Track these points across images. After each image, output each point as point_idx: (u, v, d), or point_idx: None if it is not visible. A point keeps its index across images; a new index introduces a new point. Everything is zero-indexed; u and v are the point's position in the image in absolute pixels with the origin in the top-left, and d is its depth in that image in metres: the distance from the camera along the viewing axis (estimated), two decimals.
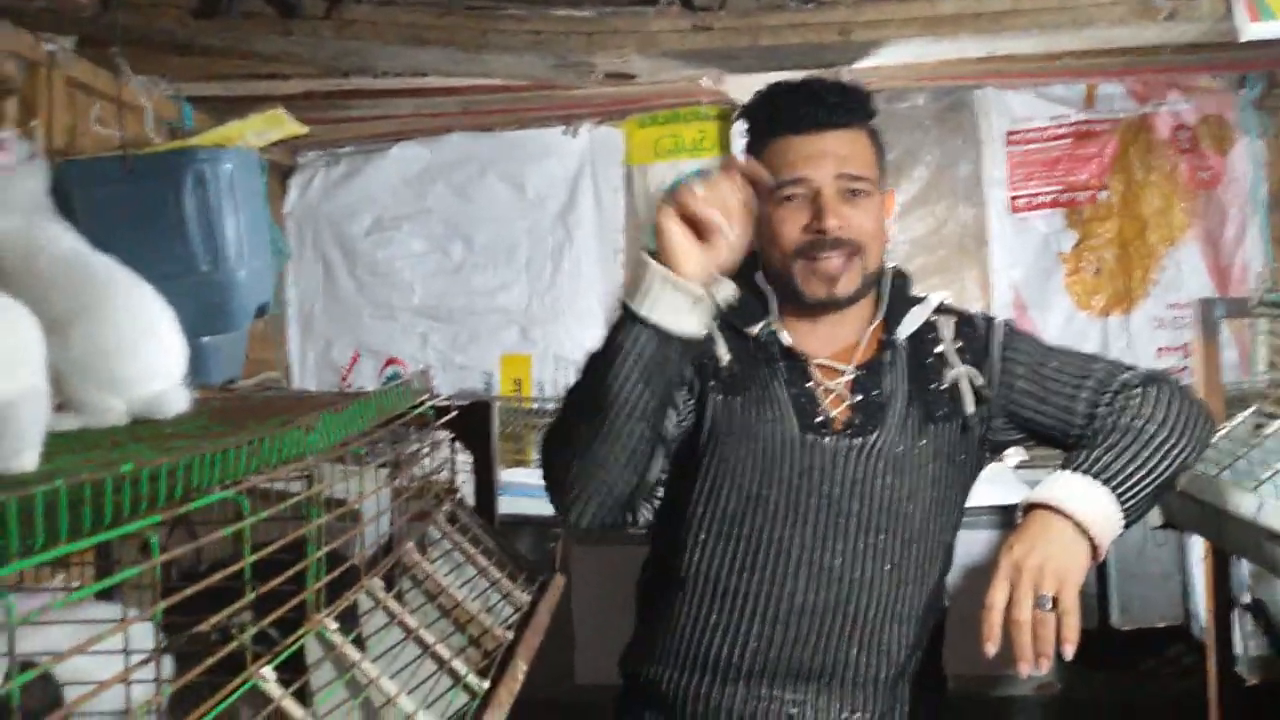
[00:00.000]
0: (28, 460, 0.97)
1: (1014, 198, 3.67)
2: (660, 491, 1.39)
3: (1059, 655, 1.18)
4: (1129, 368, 1.42)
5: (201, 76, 2.69)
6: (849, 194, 1.36)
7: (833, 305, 1.39)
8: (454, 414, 1.80)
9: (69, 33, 2.33)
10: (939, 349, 1.42)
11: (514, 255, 3.79)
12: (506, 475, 2.32)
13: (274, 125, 2.30)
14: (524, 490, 2.40)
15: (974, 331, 1.44)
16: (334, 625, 1.09)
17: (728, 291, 1.18)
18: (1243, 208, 3.58)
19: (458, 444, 1.91)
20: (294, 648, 1.02)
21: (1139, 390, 1.37)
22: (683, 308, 1.16)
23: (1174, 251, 3.62)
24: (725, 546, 1.36)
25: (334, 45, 2.50)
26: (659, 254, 1.16)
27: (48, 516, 0.73)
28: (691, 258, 1.15)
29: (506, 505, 2.16)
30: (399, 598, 1.35)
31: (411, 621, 1.26)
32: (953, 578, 1.46)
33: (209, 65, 2.66)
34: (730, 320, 1.40)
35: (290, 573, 1.02)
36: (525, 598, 1.65)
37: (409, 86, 2.99)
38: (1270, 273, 3.35)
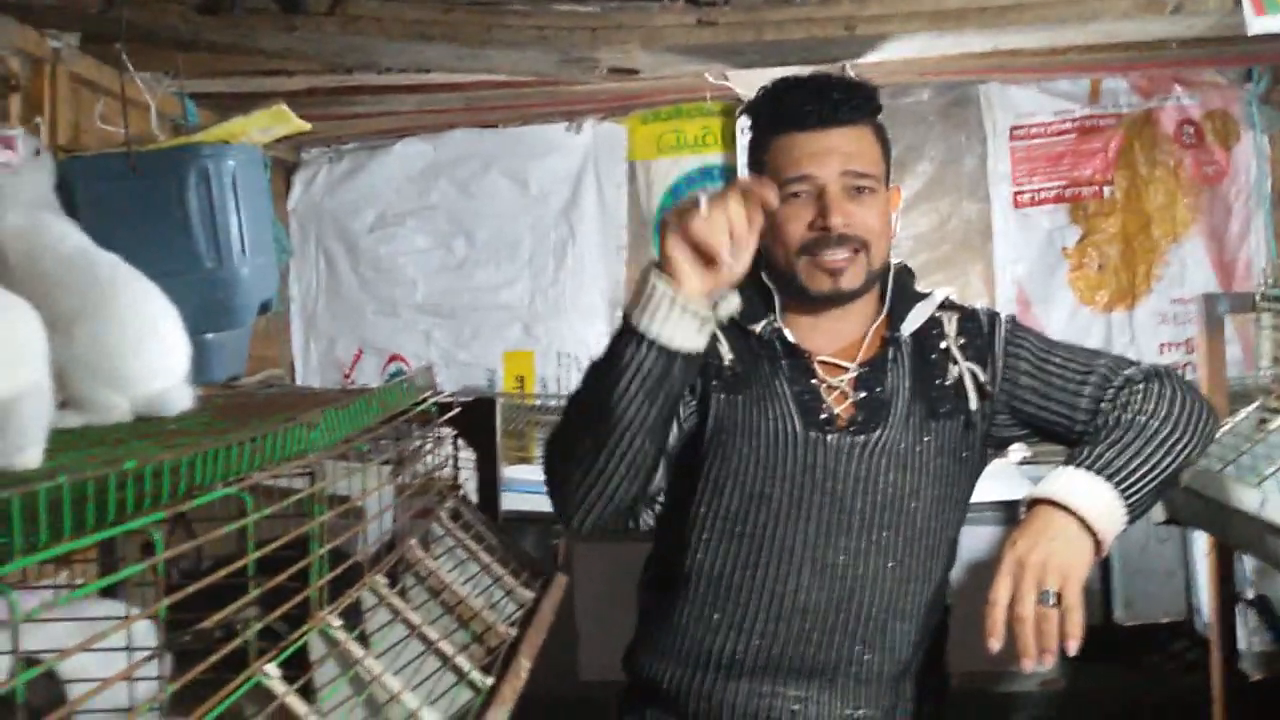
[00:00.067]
0: (31, 457, 0.97)
1: (1018, 193, 3.67)
2: (661, 497, 1.39)
3: (1062, 651, 1.18)
4: (1132, 363, 1.42)
5: (206, 73, 2.69)
6: (854, 191, 1.36)
7: (837, 299, 1.38)
8: (457, 411, 1.80)
9: (74, 29, 2.33)
10: (943, 345, 1.42)
11: (517, 251, 3.79)
12: (509, 472, 2.33)
13: (278, 122, 2.30)
14: (527, 487, 2.40)
15: (977, 327, 1.44)
16: (337, 622, 1.09)
17: (732, 305, 1.18)
18: (1247, 203, 3.57)
19: (461, 441, 1.91)
20: (297, 645, 1.02)
21: (1142, 386, 1.37)
22: (685, 325, 1.16)
23: (1178, 247, 3.61)
24: (729, 544, 1.36)
25: (338, 41, 2.50)
26: (663, 270, 1.15)
27: (51, 513, 0.73)
28: (695, 278, 1.15)
29: (509, 502, 2.16)
30: (402, 595, 1.35)
31: (415, 618, 1.27)
32: (956, 573, 1.46)
33: (213, 62, 2.66)
34: (733, 318, 1.40)
35: (294, 569, 1.02)
36: (529, 594, 1.65)
37: (412, 83, 2.99)
38: (1274, 268, 3.33)
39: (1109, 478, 1.27)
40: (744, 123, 1.49)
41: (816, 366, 1.39)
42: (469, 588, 1.52)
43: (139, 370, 1.29)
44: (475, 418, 1.93)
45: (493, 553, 1.69)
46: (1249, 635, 2.37)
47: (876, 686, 1.35)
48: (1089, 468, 1.28)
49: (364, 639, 1.16)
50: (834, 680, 1.34)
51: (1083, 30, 2.62)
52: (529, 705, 1.33)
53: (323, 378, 3.83)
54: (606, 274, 3.75)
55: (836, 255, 1.35)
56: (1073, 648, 1.18)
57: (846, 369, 1.39)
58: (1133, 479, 1.27)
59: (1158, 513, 1.91)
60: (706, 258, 1.14)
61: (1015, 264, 3.65)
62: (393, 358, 3.83)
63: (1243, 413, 1.97)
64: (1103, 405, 1.37)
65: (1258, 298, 2.16)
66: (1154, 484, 1.29)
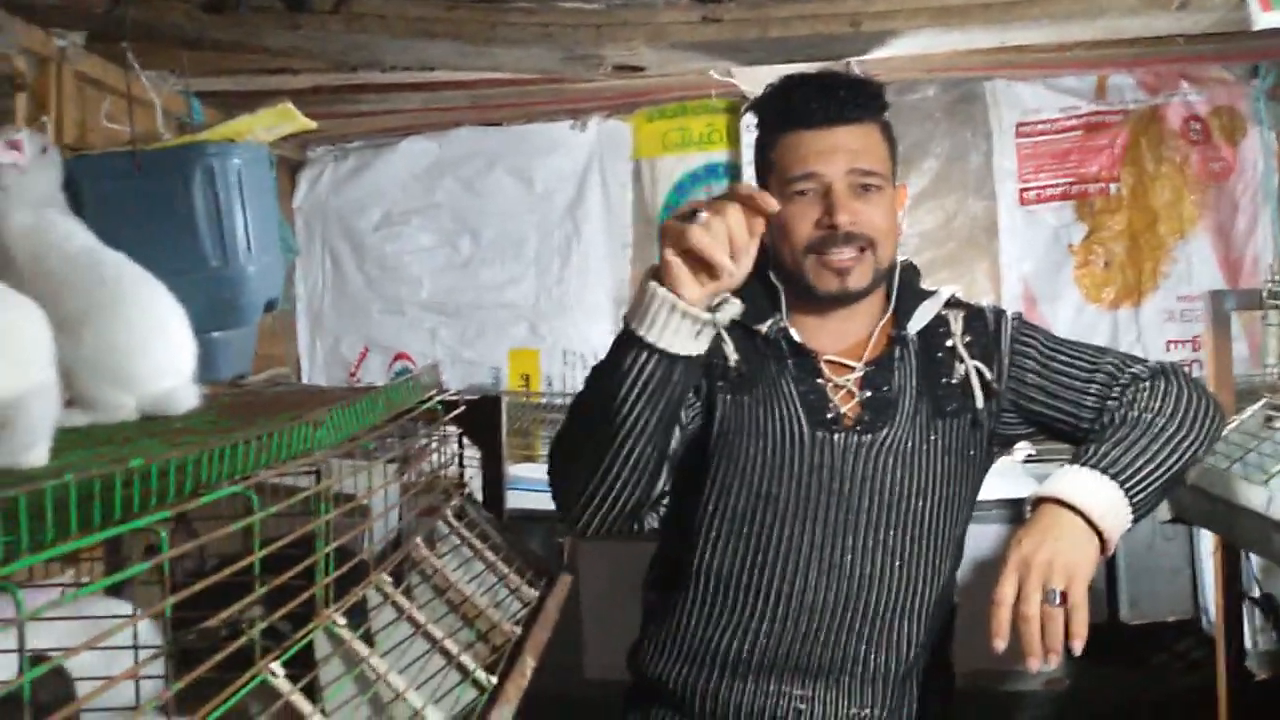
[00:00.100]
0: (37, 455, 0.97)
1: (1024, 190, 3.66)
2: (666, 500, 1.39)
3: (1068, 650, 1.18)
4: (1139, 360, 1.42)
5: (211, 71, 2.69)
6: (861, 189, 1.35)
7: (844, 299, 1.38)
8: (462, 409, 1.80)
9: (79, 28, 2.33)
10: (949, 343, 1.42)
11: (522, 250, 3.79)
12: (515, 470, 2.32)
13: (283, 120, 2.30)
14: (532, 485, 2.40)
15: (984, 325, 1.44)
16: (343, 620, 1.09)
17: (732, 310, 1.17)
18: (1254, 199, 3.56)
19: (466, 439, 1.91)
20: (303, 643, 1.02)
21: (1148, 383, 1.37)
22: (686, 332, 1.15)
23: (1184, 244, 3.60)
24: (735, 543, 1.35)
25: (342, 39, 2.49)
26: (663, 278, 1.14)
27: (57, 511, 0.73)
28: (694, 285, 1.14)
29: (515, 500, 2.16)
30: (407, 593, 1.35)
31: (420, 617, 1.27)
32: (961, 572, 1.46)
33: (218, 60, 2.66)
34: (739, 318, 1.39)
35: (299, 568, 1.02)
36: (533, 593, 1.65)
37: (417, 80, 2.99)
38: None
39: (1114, 476, 1.26)
40: (750, 120, 1.49)
41: (823, 366, 1.39)
42: (474, 586, 1.52)
43: (145, 369, 1.29)
44: (480, 416, 1.93)
45: (497, 551, 1.70)
46: (1255, 634, 2.36)
47: (882, 686, 1.35)
48: (1095, 466, 1.27)
49: (369, 637, 1.16)
50: (840, 679, 1.34)
51: (1089, 26, 2.61)
52: (534, 704, 1.33)
53: (328, 376, 3.83)
54: (612, 272, 3.75)
55: (843, 254, 1.35)
56: (1078, 647, 1.18)
57: (853, 368, 1.39)
58: (1138, 477, 1.27)
59: (1164, 511, 1.90)
60: (706, 265, 1.13)
61: (1021, 261, 3.64)
62: (398, 356, 3.83)
63: (1249, 410, 1.96)
64: (1109, 403, 1.37)
65: (1265, 294, 2.15)
66: (1160, 482, 1.29)
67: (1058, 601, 1.18)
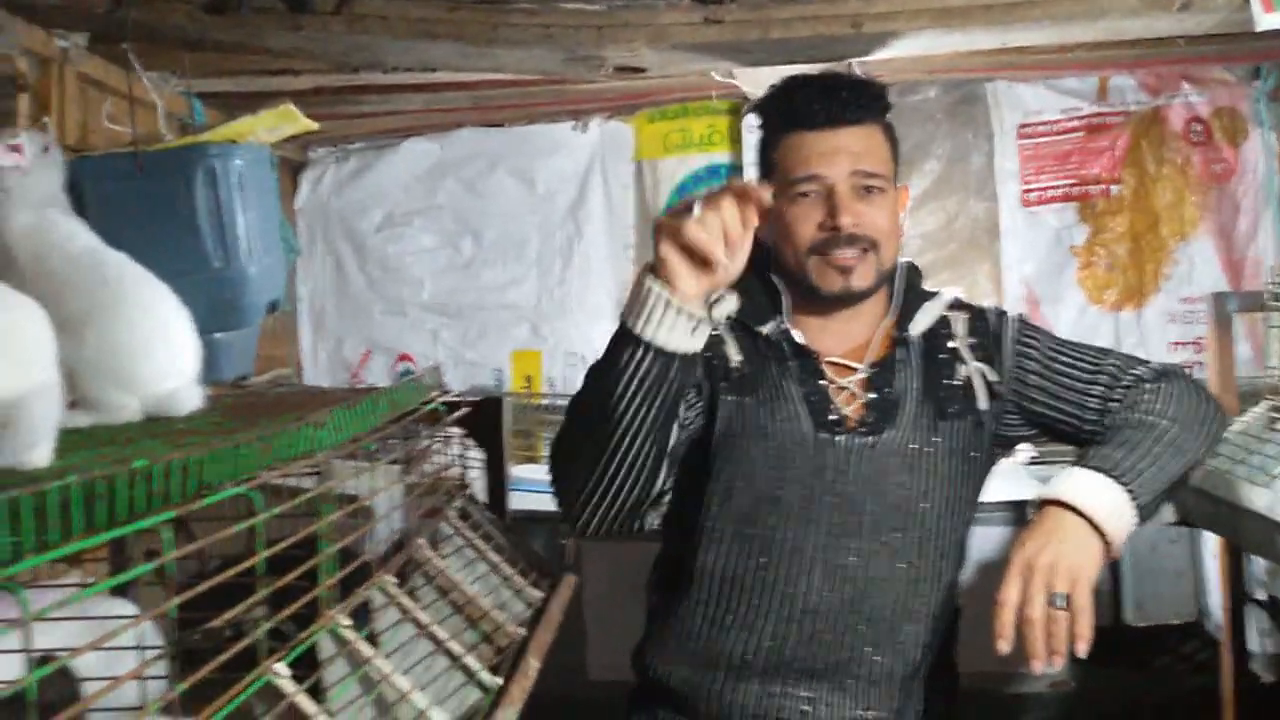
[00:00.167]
0: (40, 455, 0.97)
1: (1026, 191, 3.65)
2: (667, 499, 1.39)
3: (1072, 652, 1.18)
4: (1142, 363, 1.42)
5: (213, 72, 2.69)
6: (863, 191, 1.35)
7: (847, 299, 1.38)
8: (465, 410, 1.80)
9: (81, 29, 2.33)
10: (952, 345, 1.42)
11: (524, 251, 3.79)
12: (517, 471, 2.32)
13: (285, 121, 2.30)
14: (535, 486, 2.40)
15: (986, 327, 1.44)
16: (346, 622, 1.09)
17: (728, 307, 1.17)
18: (1256, 201, 3.56)
19: (469, 440, 1.91)
20: (307, 644, 1.02)
21: (1151, 385, 1.36)
22: (681, 328, 1.15)
23: (1186, 245, 3.59)
24: (738, 545, 1.35)
25: (344, 40, 2.50)
26: (658, 273, 1.14)
27: (61, 512, 0.73)
28: (690, 280, 1.13)
29: (518, 501, 2.16)
30: (411, 594, 1.35)
31: (424, 618, 1.27)
32: (965, 574, 1.46)
33: (220, 61, 2.66)
34: (741, 319, 1.39)
35: (303, 569, 1.02)
36: (537, 594, 1.65)
37: (419, 82, 2.99)
38: None
39: (1118, 478, 1.26)
40: (752, 121, 1.48)
41: (825, 368, 1.38)
42: (477, 587, 1.52)
43: (148, 371, 1.30)
44: (483, 417, 1.93)
45: (501, 552, 1.69)
46: (1260, 637, 2.36)
47: (886, 687, 1.35)
48: (1098, 468, 1.27)
49: (373, 638, 1.16)
50: (844, 681, 1.34)
51: (1091, 27, 2.61)
52: (537, 705, 1.33)
53: (331, 377, 3.83)
54: (613, 273, 3.75)
55: (846, 254, 1.35)
56: (1082, 649, 1.18)
57: (855, 370, 1.39)
58: (1142, 479, 1.27)
59: (1168, 513, 1.90)
60: (702, 260, 1.12)
61: (1023, 263, 3.64)
62: (401, 357, 3.83)
63: (1252, 412, 1.96)
64: (1112, 405, 1.37)
65: (1267, 296, 2.15)
66: (1163, 484, 1.29)
67: (1062, 604, 1.18)
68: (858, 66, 2.73)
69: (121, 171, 2.07)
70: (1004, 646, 1.18)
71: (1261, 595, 2.33)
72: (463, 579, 1.50)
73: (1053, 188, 3.65)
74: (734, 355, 1.38)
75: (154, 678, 0.80)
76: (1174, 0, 2.44)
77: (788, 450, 1.34)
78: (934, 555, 1.36)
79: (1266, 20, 2.34)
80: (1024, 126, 3.65)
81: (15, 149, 1.37)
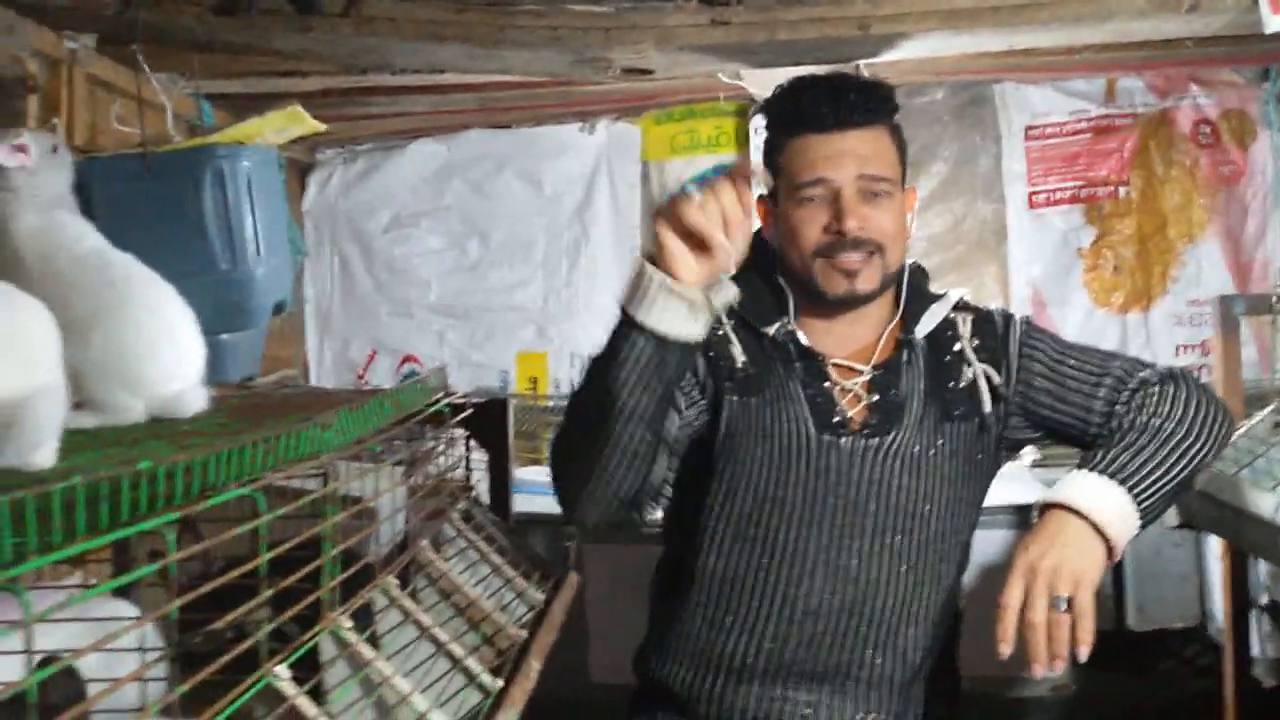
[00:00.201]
0: (44, 456, 0.98)
1: (1033, 193, 3.65)
2: (668, 490, 1.39)
3: (1074, 656, 1.18)
4: (1147, 365, 1.41)
5: (221, 74, 2.70)
6: (869, 194, 1.34)
7: (852, 302, 1.38)
8: (470, 412, 1.80)
9: (90, 30, 2.34)
10: (957, 347, 1.41)
11: (531, 252, 3.80)
12: (521, 473, 2.33)
13: (293, 123, 2.31)
14: (539, 488, 2.40)
15: (992, 329, 1.43)
16: (348, 623, 1.10)
17: (729, 294, 1.17)
18: (1264, 203, 3.55)
19: (473, 442, 1.91)
20: (308, 646, 1.02)
21: (1157, 388, 1.36)
22: (681, 314, 1.14)
23: (1194, 248, 3.59)
24: (741, 547, 1.35)
25: (352, 42, 2.50)
26: (657, 260, 1.14)
27: (65, 513, 0.74)
28: (689, 266, 1.13)
29: (521, 503, 2.16)
30: (413, 596, 1.35)
31: (426, 620, 1.27)
32: (968, 577, 1.46)
33: (228, 63, 2.68)
34: (746, 319, 1.40)
35: (305, 571, 1.02)
36: (539, 596, 1.65)
37: (426, 83, 3.00)
38: None
39: (1122, 482, 1.26)
40: (759, 122, 1.48)
41: (830, 369, 1.38)
42: (480, 589, 1.52)
43: (154, 373, 1.30)
44: (488, 419, 1.93)
45: (504, 554, 1.70)
46: (1263, 641, 2.36)
47: (888, 690, 1.35)
48: (1102, 472, 1.27)
49: (375, 640, 1.16)
50: (845, 684, 1.34)
51: (1098, 29, 2.61)
52: (539, 707, 1.33)
53: (337, 378, 3.84)
54: (620, 275, 3.74)
55: (852, 257, 1.34)
56: (1084, 653, 1.18)
57: (860, 372, 1.38)
58: (1146, 483, 1.27)
59: (1172, 517, 1.90)
60: (701, 245, 1.12)
61: (1030, 265, 3.64)
62: (406, 358, 3.83)
63: (1258, 416, 1.96)
64: (1117, 408, 1.36)
65: (1274, 299, 2.15)
66: (1168, 488, 1.29)
67: (1064, 608, 1.18)
68: (865, 68, 2.73)
69: (130, 172, 2.08)
70: (1005, 650, 1.18)
71: (1265, 600, 2.32)
72: (465, 581, 1.50)
73: (1060, 190, 3.65)
74: (739, 356, 1.38)
75: (155, 679, 0.81)
76: (1182, 2, 2.44)
77: (791, 451, 1.34)
78: (936, 558, 1.36)
79: (1275, 22, 2.34)
80: (1031, 128, 3.64)
81: (20, 149, 1.38)
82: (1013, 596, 1.19)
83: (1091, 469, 1.28)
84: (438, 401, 1.65)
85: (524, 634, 1.45)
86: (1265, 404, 2.05)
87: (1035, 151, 3.64)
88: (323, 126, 2.44)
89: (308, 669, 1.00)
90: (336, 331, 3.89)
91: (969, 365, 1.40)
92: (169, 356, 1.32)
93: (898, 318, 1.42)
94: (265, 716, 0.92)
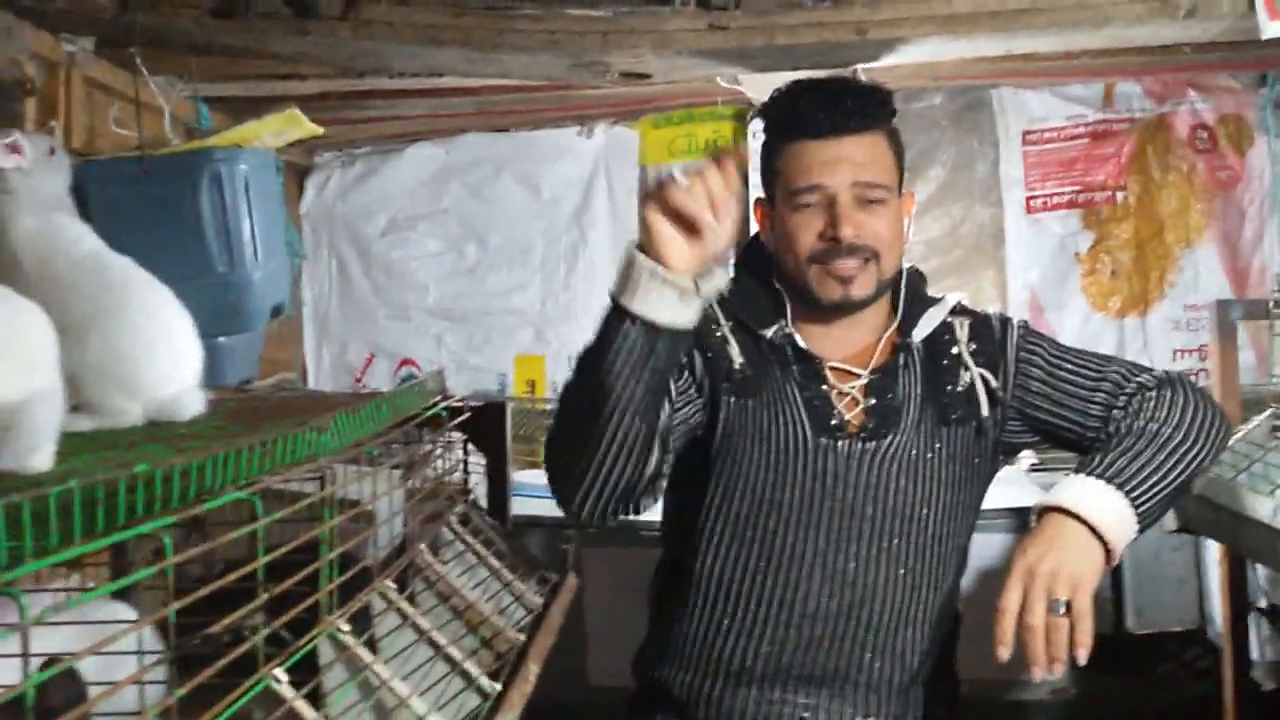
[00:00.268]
0: (41, 459, 0.97)
1: (1030, 198, 3.66)
2: (663, 484, 1.38)
3: (1073, 660, 1.18)
4: (1145, 370, 1.41)
5: (219, 77, 2.70)
6: (865, 201, 1.34)
7: (847, 308, 1.38)
8: (468, 415, 1.80)
9: (88, 33, 2.34)
10: (954, 351, 1.41)
11: (529, 256, 3.80)
12: (519, 476, 2.32)
13: (291, 126, 2.31)
14: (537, 492, 2.40)
15: (989, 333, 1.43)
16: (347, 627, 1.09)
17: (719, 281, 1.16)
18: (1261, 208, 3.55)
19: (471, 445, 1.91)
20: (306, 649, 1.02)
21: (1154, 393, 1.36)
22: (670, 301, 1.14)
23: (1191, 253, 3.59)
24: (738, 550, 1.35)
25: (350, 46, 2.50)
26: (646, 247, 1.14)
27: (62, 517, 0.74)
28: (678, 251, 1.13)
29: (519, 507, 2.16)
30: (411, 599, 1.35)
31: (424, 623, 1.27)
32: (966, 580, 1.46)
33: (226, 66, 2.68)
34: (744, 322, 1.40)
35: (303, 574, 1.02)
36: (538, 599, 1.65)
37: (424, 87, 3.00)
38: None
39: (1120, 486, 1.26)
40: (757, 126, 1.48)
41: (828, 373, 1.38)
42: (478, 593, 1.52)
43: (151, 376, 1.30)
44: (486, 422, 1.93)
45: (502, 558, 1.69)
46: (1261, 644, 2.36)
47: (886, 694, 1.35)
48: (1100, 476, 1.27)
49: (373, 644, 1.16)
50: (843, 688, 1.34)
51: (1096, 34, 2.61)
52: (537, 710, 1.33)
53: (335, 381, 3.84)
54: None
55: (847, 264, 1.34)
56: (1083, 656, 1.17)
57: (858, 375, 1.38)
58: (1144, 487, 1.27)
59: (1170, 521, 1.90)
60: (689, 228, 1.12)
61: (1027, 269, 3.64)
62: (404, 362, 3.83)
63: (1255, 420, 1.96)
64: (1115, 412, 1.36)
65: (1271, 304, 2.15)
66: (1166, 492, 1.28)
67: (1062, 611, 1.18)
68: (863, 73, 2.73)
69: (127, 175, 2.08)
70: (1004, 653, 1.18)
71: (1263, 603, 2.33)
72: (463, 584, 1.50)
73: (1057, 194, 3.65)
74: (737, 357, 1.38)
75: (152, 682, 0.81)
76: (1180, 7, 2.44)
77: (788, 454, 1.34)
78: (934, 561, 1.36)
79: (1272, 28, 2.35)
80: (1029, 133, 3.65)
81: (15, 149, 1.37)
82: (1011, 600, 1.19)
83: (1089, 473, 1.28)
84: (435, 405, 1.65)
85: (522, 637, 1.45)
86: (1262, 408, 2.05)
87: (1033, 156, 3.65)
88: (320, 130, 2.44)
89: (306, 672, 0.99)
90: (334, 335, 3.89)
91: (966, 369, 1.40)
92: (166, 359, 1.32)
93: (895, 322, 1.42)
94: None
